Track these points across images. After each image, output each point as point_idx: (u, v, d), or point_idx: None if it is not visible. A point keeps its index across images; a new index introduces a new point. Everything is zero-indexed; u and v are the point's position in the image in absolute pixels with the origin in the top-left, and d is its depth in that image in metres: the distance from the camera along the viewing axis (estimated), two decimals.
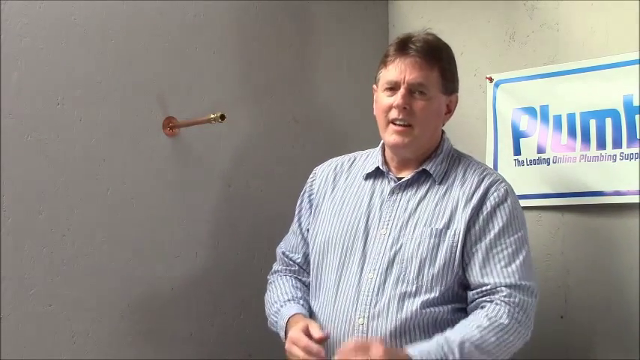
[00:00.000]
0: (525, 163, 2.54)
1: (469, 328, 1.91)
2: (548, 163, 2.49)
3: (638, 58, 2.29)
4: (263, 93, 2.64)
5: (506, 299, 1.95)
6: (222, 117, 2.29)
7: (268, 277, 2.25)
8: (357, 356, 1.83)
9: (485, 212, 2.01)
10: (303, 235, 2.21)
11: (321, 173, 2.24)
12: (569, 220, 2.47)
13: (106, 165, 2.26)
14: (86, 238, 2.21)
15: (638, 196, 2.28)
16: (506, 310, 1.94)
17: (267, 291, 2.21)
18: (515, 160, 2.56)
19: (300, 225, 2.22)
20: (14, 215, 2.09)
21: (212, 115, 2.31)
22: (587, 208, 2.42)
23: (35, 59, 2.14)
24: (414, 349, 1.86)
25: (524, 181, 2.47)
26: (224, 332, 2.50)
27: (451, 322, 1.98)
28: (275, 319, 2.12)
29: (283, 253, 2.24)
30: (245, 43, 2.60)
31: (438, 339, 1.89)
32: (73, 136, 2.20)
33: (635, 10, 2.33)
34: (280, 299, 2.13)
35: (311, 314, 2.10)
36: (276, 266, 2.26)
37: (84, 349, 2.19)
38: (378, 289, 1.99)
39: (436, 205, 2.05)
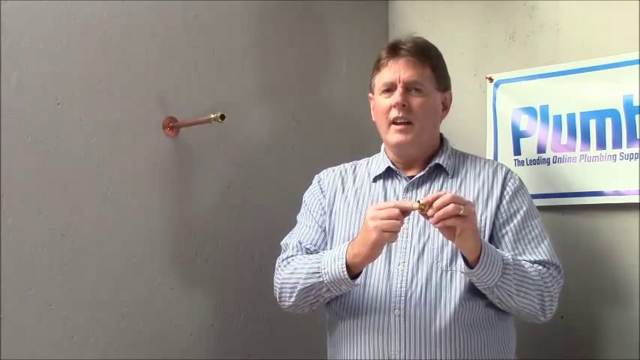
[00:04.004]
0: (525, 163, 2.54)
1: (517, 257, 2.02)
2: (548, 163, 2.49)
3: (638, 58, 2.29)
4: (263, 93, 2.64)
5: (545, 268, 2.04)
6: (222, 117, 2.29)
7: (279, 264, 2.15)
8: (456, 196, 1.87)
9: (507, 197, 2.10)
10: (321, 228, 2.18)
11: (327, 176, 2.26)
12: (569, 220, 2.47)
13: (106, 165, 2.26)
14: (86, 238, 2.21)
15: (638, 196, 2.29)
16: (546, 271, 2.04)
17: (285, 267, 2.11)
18: (515, 160, 2.56)
19: (315, 219, 2.19)
20: (14, 215, 2.09)
21: (212, 115, 2.31)
22: (587, 208, 2.42)
23: (35, 59, 2.14)
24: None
25: (524, 181, 2.46)
26: (224, 332, 2.50)
27: (485, 320, 2.02)
28: (316, 267, 2.01)
29: (300, 243, 2.16)
30: (245, 43, 2.60)
31: (493, 248, 1.96)
32: (73, 136, 2.20)
33: (635, 10, 2.33)
34: (313, 258, 2.07)
35: (338, 315, 2.10)
36: (288, 253, 2.15)
37: (84, 349, 2.19)
38: (412, 278, 2.01)
39: None
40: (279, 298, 2.14)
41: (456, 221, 1.85)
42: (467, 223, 1.86)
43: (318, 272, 2.01)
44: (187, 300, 2.42)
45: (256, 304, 2.53)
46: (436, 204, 1.85)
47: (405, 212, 1.91)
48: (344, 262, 1.96)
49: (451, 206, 1.84)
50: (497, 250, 1.98)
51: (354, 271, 1.98)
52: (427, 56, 2.13)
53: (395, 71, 2.10)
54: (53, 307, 2.15)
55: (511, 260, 1.96)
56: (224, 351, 2.49)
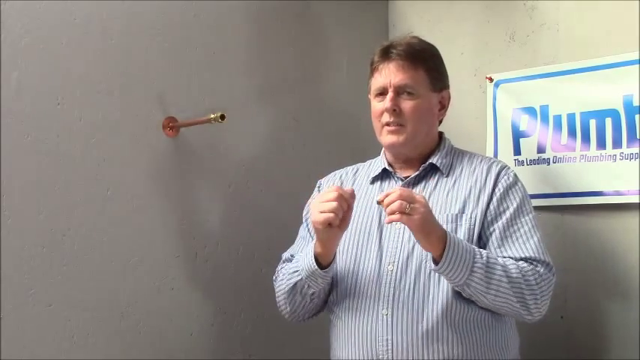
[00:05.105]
0: (525, 163, 2.54)
1: (495, 256, 2.00)
2: (548, 163, 2.49)
3: (638, 58, 2.29)
4: (263, 93, 2.64)
5: (530, 266, 2.00)
6: (222, 117, 2.29)
7: (274, 277, 2.22)
8: (403, 194, 1.89)
9: (498, 194, 2.08)
10: (312, 236, 2.20)
11: (327, 183, 2.27)
12: (569, 220, 2.47)
13: (106, 165, 2.26)
14: (86, 238, 2.21)
15: (638, 196, 2.29)
16: (531, 269, 2.00)
17: (278, 277, 2.18)
18: (515, 160, 2.56)
19: (309, 230, 2.21)
20: (14, 215, 2.09)
21: (212, 115, 2.31)
22: (587, 208, 2.42)
23: (35, 59, 2.14)
24: (449, 232, 1.94)
25: (524, 181, 2.45)
26: (224, 332, 2.50)
27: (479, 321, 2.01)
28: (295, 267, 2.09)
29: (292, 256, 2.21)
30: (245, 43, 2.60)
31: (466, 242, 1.96)
32: (73, 136, 2.20)
33: (635, 10, 2.33)
34: (296, 258, 2.13)
35: (333, 314, 2.13)
36: (280, 265, 2.23)
37: (84, 349, 2.19)
38: (400, 278, 2.01)
39: (447, 193, 2.10)
40: (280, 309, 2.19)
41: (401, 217, 1.87)
42: (411, 222, 1.88)
43: (297, 270, 2.07)
44: (187, 300, 2.42)
45: (256, 304, 2.53)
46: (385, 201, 1.89)
47: (350, 198, 1.95)
48: (312, 254, 2.02)
49: (396, 204, 1.87)
50: (473, 247, 1.96)
51: (323, 263, 2.02)
52: (420, 58, 2.11)
53: (386, 75, 2.10)
54: (53, 307, 2.15)
55: (484, 259, 1.94)
56: (224, 351, 2.49)
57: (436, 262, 1.92)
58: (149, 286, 2.34)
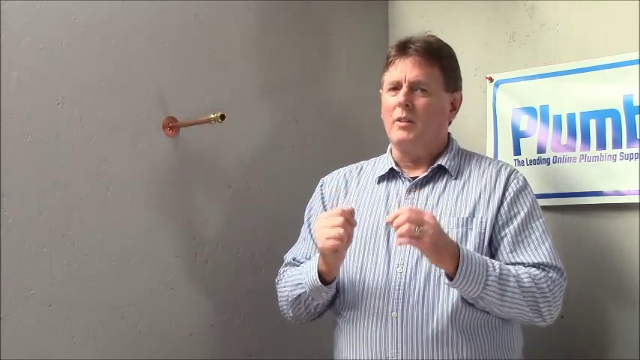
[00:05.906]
0: (525, 163, 2.54)
1: (507, 266, 1.99)
2: (548, 163, 2.49)
3: (638, 58, 2.29)
4: (263, 93, 2.64)
5: (542, 272, 2.00)
6: (222, 117, 2.29)
7: (277, 279, 2.22)
8: (412, 216, 1.86)
9: (508, 198, 2.08)
10: (314, 241, 2.19)
11: (331, 181, 2.26)
12: (569, 221, 2.47)
13: (106, 165, 2.26)
14: (86, 238, 2.21)
15: (638, 196, 2.29)
16: (543, 276, 1.99)
17: (281, 281, 2.18)
18: (515, 160, 2.56)
19: (311, 232, 2.21)
20: (14, 215, 2.09)
21: (212, 115, 2.31)
22: (587, 208, 2.42)
23: (35, 59, 2.14)
24: (462, 246, 1.93)
25: None
26: (224, 332, 2.50)
27: (486, 324, 2.01)
28: (299, 279, 2.08)
29: (294, 259, 2.22)
30: (245, 43, 2.60)
31: (479, 255, 1.95)
32: (73, 136, 2.20)
33: (635, 10, 2.33)
34: (298, 270, 2.12)
35: (339, 316, 2.12)
36: (282, 268, 2.23)
37: (84, 349, 2.19)
38: (410, 281, 2.01)
39: (457, 197, 2.09)
40: (283, 313, 2.20)
41: (410, 241, 1.86)
42: (421, 244, 1.87)
43: (301, 283, 2.06)
44: (187, 300, 2.42)
45: (256, 304, 2.53)
46: (394, 223, 1.88)
47: (352, 218, 1.93)
48: (316, 270, 2.01)
49: (404, 227, 1.85)
50: (485, 259, 1.96)
51: (327, 278, 2.02)
52: (436, 56, 2.11)
53: (402, 70, 2.10)
54: (53, 307, 2.15)
55: (497, 271, 1.94)
56: (224, 351, 2.49)
57: (449, 277, 1.92)
58: (149, 286, 2.34)
